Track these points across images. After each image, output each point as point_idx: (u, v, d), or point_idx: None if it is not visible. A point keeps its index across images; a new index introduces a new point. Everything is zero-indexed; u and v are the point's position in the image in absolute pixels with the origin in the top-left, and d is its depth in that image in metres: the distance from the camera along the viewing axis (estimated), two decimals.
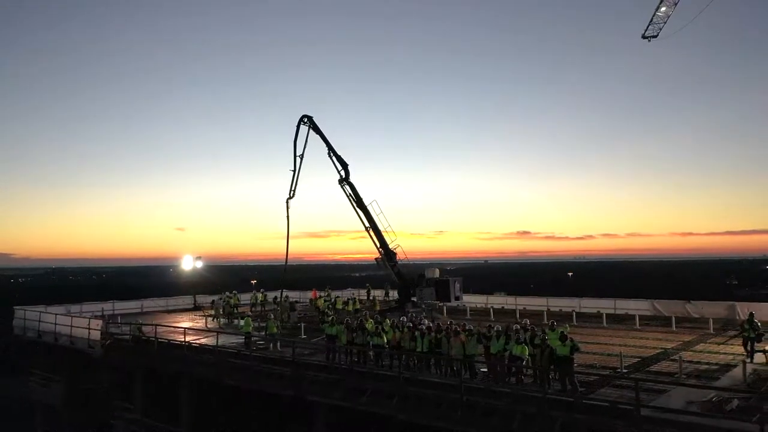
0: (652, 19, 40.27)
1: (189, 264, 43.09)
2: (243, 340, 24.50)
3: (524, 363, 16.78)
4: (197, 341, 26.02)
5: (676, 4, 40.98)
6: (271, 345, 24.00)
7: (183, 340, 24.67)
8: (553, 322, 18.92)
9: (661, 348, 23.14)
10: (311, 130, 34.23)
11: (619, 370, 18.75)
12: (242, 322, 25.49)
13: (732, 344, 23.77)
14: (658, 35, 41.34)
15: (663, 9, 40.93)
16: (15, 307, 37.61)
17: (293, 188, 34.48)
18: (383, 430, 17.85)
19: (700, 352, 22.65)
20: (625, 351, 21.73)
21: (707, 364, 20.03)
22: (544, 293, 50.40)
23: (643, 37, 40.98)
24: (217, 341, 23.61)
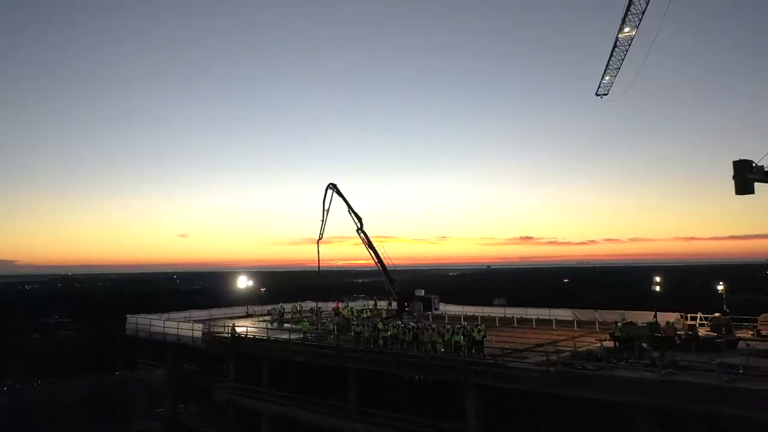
0: (600, 83, 43.97)
1: (243, 283, 58.48)
2: (302, 336, 39.80)
3: (460, 345, 32.30)
4: (273, 336, 41.51)
5: (617, 73, 51.98)
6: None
7: (267, 335, 40.42)
8: (477, 323, 34.61)
9: (553, 339, 38.31)
10: (335, 193, 50.09)
11: (517, 349, 34.11)
12: (300, 325, 40.84)
13: (584, 335, 38.90)
14: (608, 93, 44.88)
15: (607, 78, 52.21)
16: (128, 316, 52.71)
17: (321, 233, 50.59)
18: (388, 382, 33.61)
19: (578, 341, 37.96)
20: (530, 341, 37.32)
21: (573, 346, 35.34)
22: (541, 303, 65.37)
23: (596, 94, 44.71)
24: (289, 335, 39.29)
